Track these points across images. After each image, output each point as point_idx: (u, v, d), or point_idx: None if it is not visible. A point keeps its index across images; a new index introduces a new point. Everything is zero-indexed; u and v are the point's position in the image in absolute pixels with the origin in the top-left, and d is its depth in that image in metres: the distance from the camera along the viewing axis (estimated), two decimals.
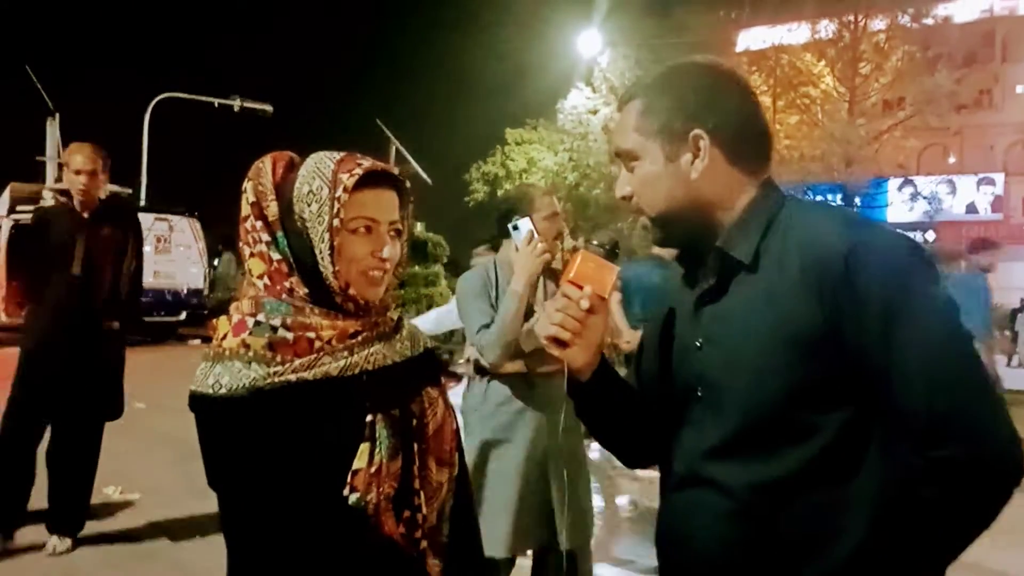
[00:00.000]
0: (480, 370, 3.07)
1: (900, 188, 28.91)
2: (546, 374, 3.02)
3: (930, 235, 26.84)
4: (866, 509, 1.28)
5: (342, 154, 1.46)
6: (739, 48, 27.31)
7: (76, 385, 4.43)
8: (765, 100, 24.83)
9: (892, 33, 23.73)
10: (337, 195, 1.40)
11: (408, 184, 1.52)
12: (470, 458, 3.00)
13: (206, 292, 18.08)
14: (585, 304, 1.39)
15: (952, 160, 31.10)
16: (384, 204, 1.46)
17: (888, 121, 24.36)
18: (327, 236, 1.40)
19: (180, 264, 17.20)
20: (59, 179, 21.26)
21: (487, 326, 2.95)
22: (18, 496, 4.49)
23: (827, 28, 24.18)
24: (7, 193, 19.38)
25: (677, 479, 1.45)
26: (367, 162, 1.45)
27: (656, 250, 5.77)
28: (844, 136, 22.41)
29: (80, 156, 4.38)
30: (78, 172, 4.37)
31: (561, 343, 1.41)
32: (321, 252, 1.41)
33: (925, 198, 27.99)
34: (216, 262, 19.79)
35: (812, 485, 1.29)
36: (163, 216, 17.22)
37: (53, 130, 23.88)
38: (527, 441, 3.00)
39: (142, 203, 20.73)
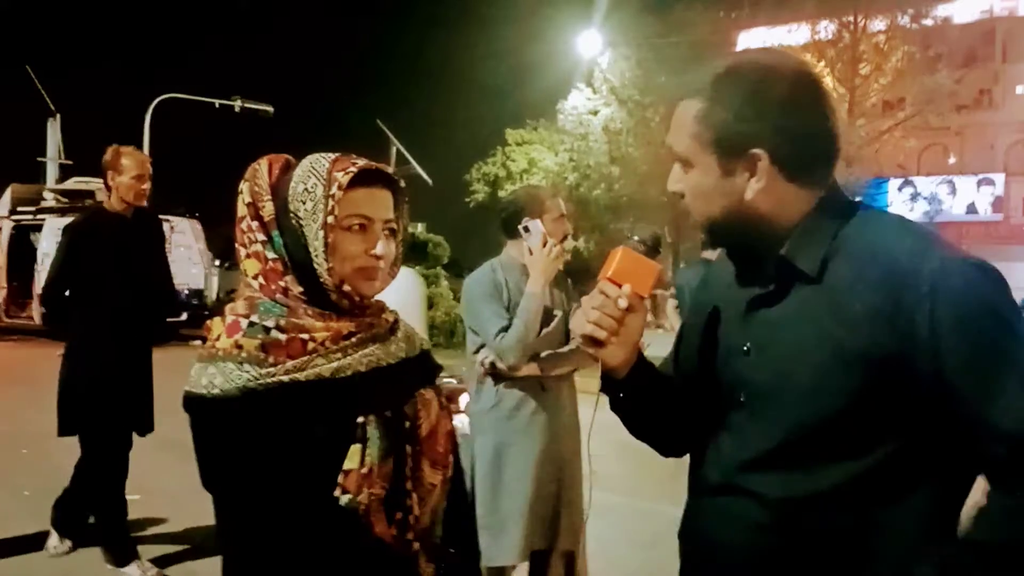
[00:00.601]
0: (494, 374, 3.06)
1: (900, 188, 28.96)
2: (557, 377, 3.03)
3: None
4: (903, 539, 1.25)
5: (337, 154, 1.47)
6: (739, 48, 27.30)
7: (126, 391, 4.33)
8: None
9: (892, 33, 23.74)
10: (332, 192, 1.41)
11: (403, 184, 1.53)
12: (483, 460, 3.00)
13: (207, 293, 18.10)
14: (623, 303, 1.34)
15: (952, 160, 31.09)
16: (378, 202, 1.47)
17: (888, 121, 24.38)
18: (321, 233, 1.41)
19: (181, 265, 17.19)
20: (60, 180, 21.32)
21: (505, 329, 2.95)
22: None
23: (827, 29, 24.19)
24: (8, 194, 19.41)
25: (712, 485, 1.40)
26: (361, 161, 1.46)
27: (705, 254, 5.77)
28: (844, 136, 22.38)
29: (136, 161, 4.31)
30: (139, 177, 4.31)
31: (597, 342, 1.37)
32: (315, 249, 1.42)
33: (925, 198, 28.04)
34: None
35: (850, 505, 1.26)
36: (164, 217, 17.15)
37: (54, 131, 23.92)
38: (540, 445, 3.01)
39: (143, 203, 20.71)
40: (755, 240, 1.36)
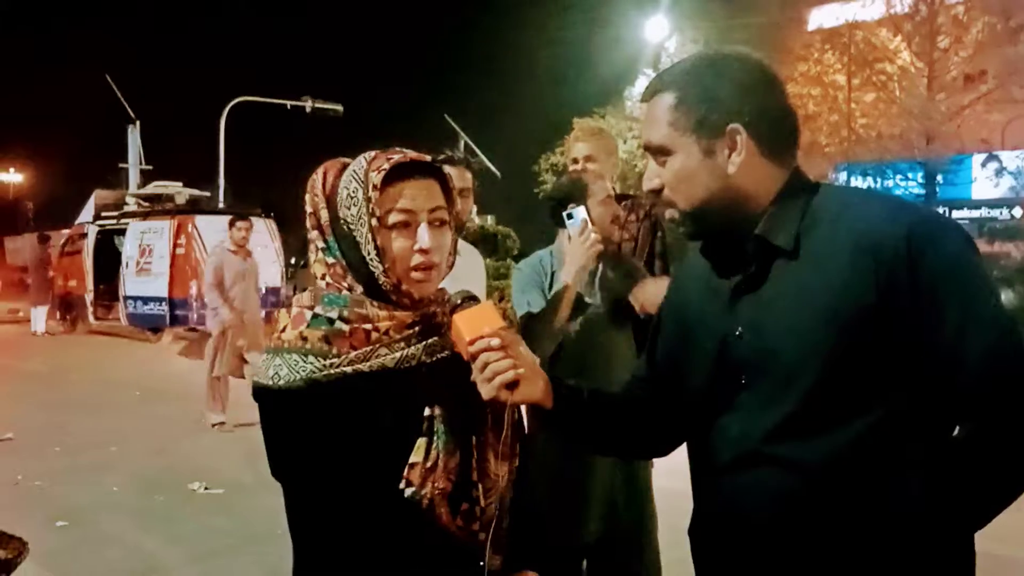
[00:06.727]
0: None
1: (984, 164, 27.89)
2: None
3: (1017, 211, 25.83)
4: (919, 479, 1.30)
5: (376, 152, 1.47)
6: (811, 27, 26.64)
7: None
8: (839, 79, 24.16)
9: (971, 4, 22.85)
10: (369, 194, 1.41)
11: (446, 169, 1.51)
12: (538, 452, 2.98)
13: (284, 291, 18.45)
14: (496, 342, 1.38)
15: None
16: (420, 194, 1.45)
17: (969, 95, 23.47)
18: (369, 236, 1.41)
19: (260, 264, 17.52)
20: (141, 185, 22.00)
21: (532, 316, 2.93)
22: None
23: (903, 2, 23.41)
24: (92, 200, 20.09)
25: (729, 461, 1.43)
26: (397, 155, 1.45)
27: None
28: (924, 112, 21.71)
29: None
30: None
31: (511, 386, 1.39)
32: (369, 253, 1.42)
33: (1011, 173, 26.93)
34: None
35: (868, 461, 1.31)
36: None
37: (134, 137, 24.69)
38: None
39: (220, 205, 21.23)
40: (735, 222, 1.42)
